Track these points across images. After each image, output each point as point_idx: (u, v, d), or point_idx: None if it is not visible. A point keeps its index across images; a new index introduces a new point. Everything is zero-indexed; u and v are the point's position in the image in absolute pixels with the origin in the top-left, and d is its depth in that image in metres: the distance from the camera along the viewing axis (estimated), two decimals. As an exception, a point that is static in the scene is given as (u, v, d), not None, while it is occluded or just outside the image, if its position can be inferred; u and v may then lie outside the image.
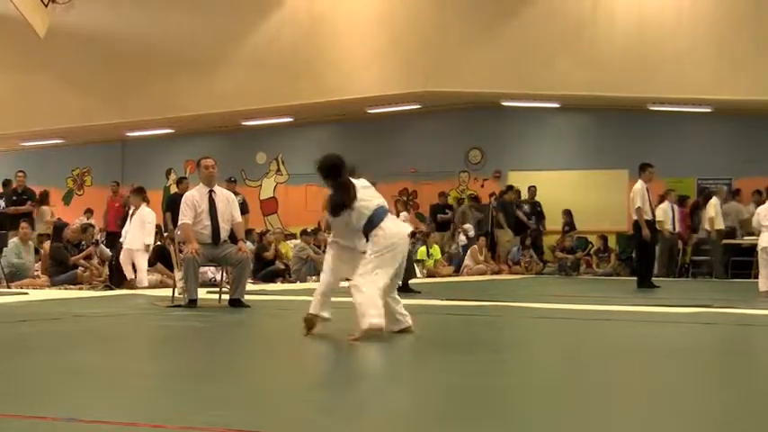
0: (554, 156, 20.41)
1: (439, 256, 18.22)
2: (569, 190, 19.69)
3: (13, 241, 13.19)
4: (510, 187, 19.68)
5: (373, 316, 5.68)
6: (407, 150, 21.32)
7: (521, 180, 20.31)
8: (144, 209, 13.04)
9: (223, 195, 8.95)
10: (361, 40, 18.89)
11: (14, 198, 15.52)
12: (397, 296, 6.17)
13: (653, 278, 13.55)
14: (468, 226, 19.07)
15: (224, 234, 8.82)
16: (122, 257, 12.68)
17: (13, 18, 17.88)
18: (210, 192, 8.81)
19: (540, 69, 17.80)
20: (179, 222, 8.84)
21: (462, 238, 19.14)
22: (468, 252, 18.54)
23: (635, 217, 13.15)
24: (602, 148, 19.69)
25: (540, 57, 17.78)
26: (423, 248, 17.84)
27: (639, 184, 13.27)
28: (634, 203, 13.13)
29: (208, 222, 8.69)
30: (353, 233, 6.06)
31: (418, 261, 16.51)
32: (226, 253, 8.73)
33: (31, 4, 16.59)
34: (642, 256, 13.58)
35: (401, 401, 3.73)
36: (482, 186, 21.07)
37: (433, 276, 16.97)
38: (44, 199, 17.71)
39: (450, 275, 17.76)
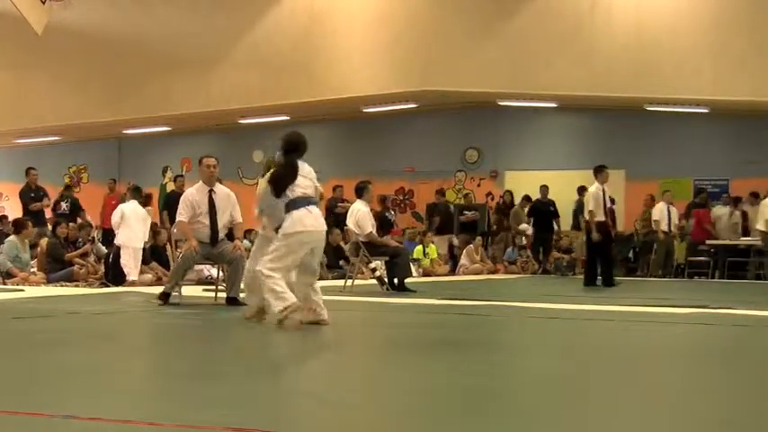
0: (551, 156, 20.42)
1: (435, 255, 18.21)
2: (566, 190, 19.68)
3: (11, 239, 13.17)
4: (583, 188, 17.57)
5: (277, 305, 6.16)
6: (404, 149, 21.33)
7: (517, 180, 20.32)
8: (137, 206, 13.06)
9: (224, 194, 8.94)
10: (360, 39, 18.88)
11: (33, 195, 15.75)
12: (318, 288, 6.55)
13: (612, 278, 13.35)
14: (524, 226, 18.90)
15: (222, 234, 8.83)
16: (124, 257, 12.58)
17: (11, 15, 17.86)
18: (211, 191, 8.80)
19: (538, 69, 17.80)
20: (176, 220, 8.84)
21: (520, 239, 19.03)
22: (464, 252, 18.54)
23: (587, 218, 13.16)
24: (599, 148, 19.66)
25: (538, 57, 17.77)
26: (419, 247, 17.84)
27: (595, 188, 13.19)
28: (587, 206, 13.08)
29: (206, 222, 8.68)
30: (279, 213, 6.42)
31: (414, 260, 16.49)
32: (221, 250, 8.74)
33: (29, 1, 16.56)
34: (595, 257, 13.38)
35: (398, 400, 3.73)
36: (478, 186, 21.07)
37: (429, 275, 16.97)
38: (147, 200, 17.93)
39: (445, 275, 17.76)
